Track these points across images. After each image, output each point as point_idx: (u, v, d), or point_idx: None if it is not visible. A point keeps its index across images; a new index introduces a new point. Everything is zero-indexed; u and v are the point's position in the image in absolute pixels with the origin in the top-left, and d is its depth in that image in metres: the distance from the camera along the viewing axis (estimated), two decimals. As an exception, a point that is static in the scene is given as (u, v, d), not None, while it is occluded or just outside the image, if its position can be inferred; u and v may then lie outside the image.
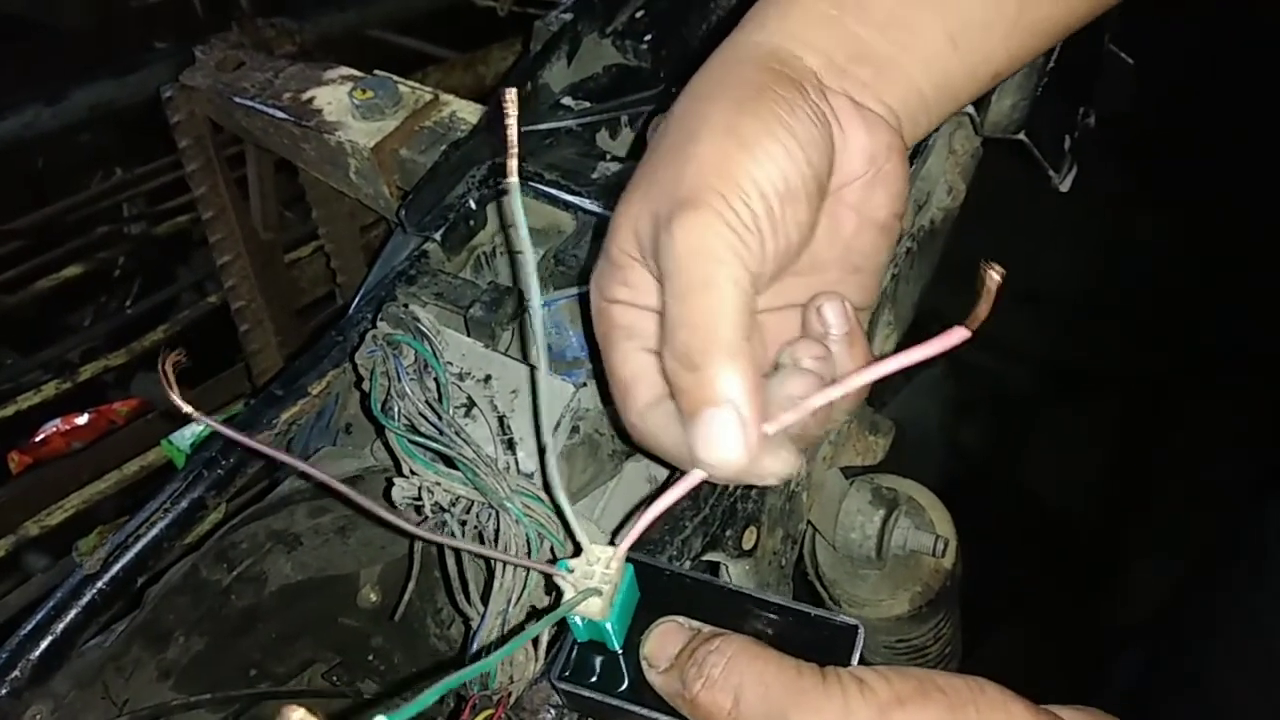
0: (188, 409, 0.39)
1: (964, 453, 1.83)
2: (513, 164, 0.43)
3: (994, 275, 0.36)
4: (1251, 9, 1.54)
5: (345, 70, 0.90)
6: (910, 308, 0.78)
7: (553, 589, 0.53)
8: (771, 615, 0.45)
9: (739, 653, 0.40)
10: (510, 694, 0.50)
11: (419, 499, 0.56)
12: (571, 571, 0.43)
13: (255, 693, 0.66)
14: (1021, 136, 0.76)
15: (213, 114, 0.98)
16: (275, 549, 0.65)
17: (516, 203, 0.43)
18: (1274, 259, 1.64)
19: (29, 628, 0.57)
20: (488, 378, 0.61)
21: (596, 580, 0.42)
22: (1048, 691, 0.41)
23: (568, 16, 0.82)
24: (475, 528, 0.55)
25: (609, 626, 0.43)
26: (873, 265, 0.50)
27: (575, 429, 0.59)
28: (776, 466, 0.43)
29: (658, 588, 0.46)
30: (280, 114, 0.87)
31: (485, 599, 0.54)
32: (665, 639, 0.43)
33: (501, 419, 0.60)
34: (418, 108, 0.84)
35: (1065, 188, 0.81)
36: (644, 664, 0.43)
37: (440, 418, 0.56)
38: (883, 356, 0.41)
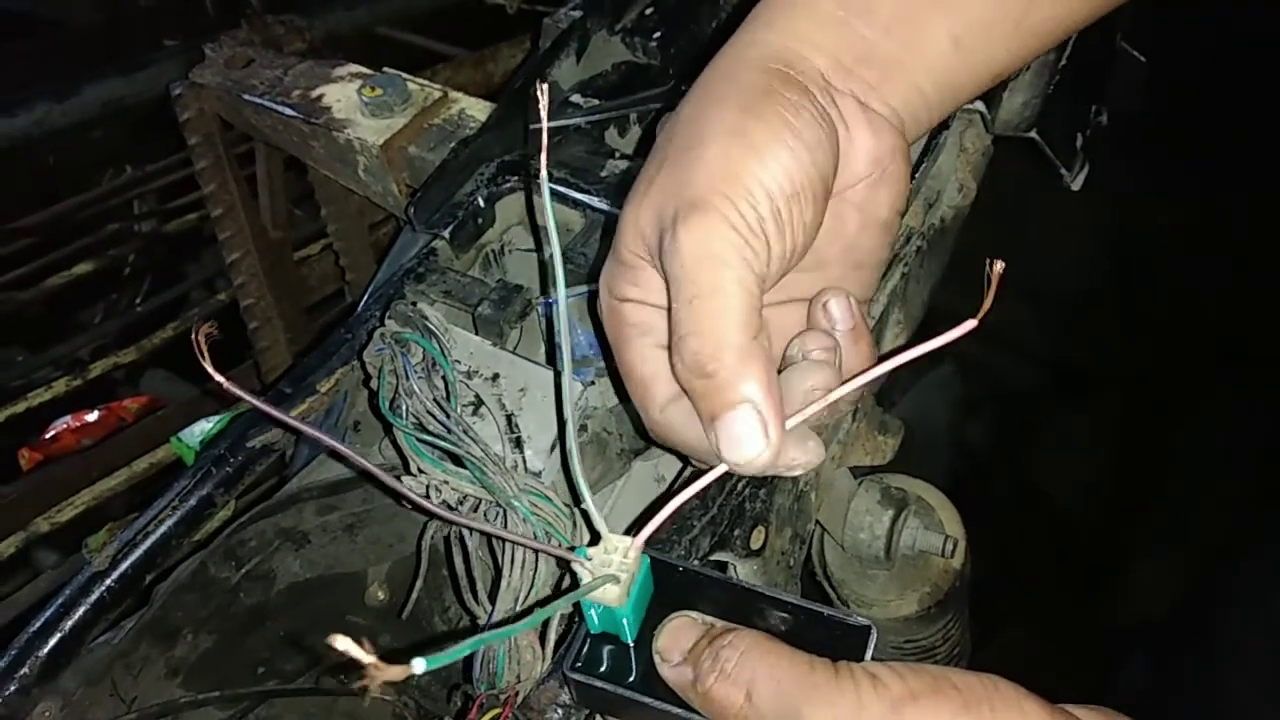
0: (220, 379, 0.40)
1: (972, 452, 1.82)
2: (543, 161, 0.44)
3: (997, 268, 0.38)
4: (1264, 7, 1.53)
5: (354, 68, 0.90)
6: (920, 306, 0.78)
7: (561, 587, 0.53)
8: (784, 613, 0.45)
9: (752, 647, 0.40)
10: (517, 693, 0.50)
11: (427, 497, 0.55)
12: (590, 559, 0.43)
13: (263, 690, 0.66)
14: (1033, 135, 0.76)
15: (222, 111, 0.98)
16: (284, 547, 0.65)
17: (547, 200, 0.44)
18: (1275, 258, 1.63)
19: (37, 625, 0.57)
20: (496, 376, 0.61)
21: (615, 568, 0.42)
22: (1055, 692, 0.40)
23: (577, 14, 0.82)
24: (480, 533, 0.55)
25: (624, 619, 0.43)
26: (874, 261, 0.50)
27: (584, 427, 0.59)
28: (805, 457, 0.44)
29: (671, 584, 0.46)
30: (289, 111, 0.87)
31: (493, 598, 0.54)
32: (679, 633, 0.43)
33: (509, 417, 0.60)
34: (426, 105, 0.84)
35: (1077, 186, 0.81)
36: (657, 658, 0.43)
37: (448, 416, 0.56)
38: (894, 351, 0.42)
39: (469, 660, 0.54)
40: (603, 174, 0.71)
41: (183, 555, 0.62)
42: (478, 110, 0.84)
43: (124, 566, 0.59)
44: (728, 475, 0.44)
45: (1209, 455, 1.69)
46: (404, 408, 0.57)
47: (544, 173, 0.44)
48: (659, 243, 0.43)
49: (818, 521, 0.75)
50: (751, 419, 0.40)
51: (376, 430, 0.65)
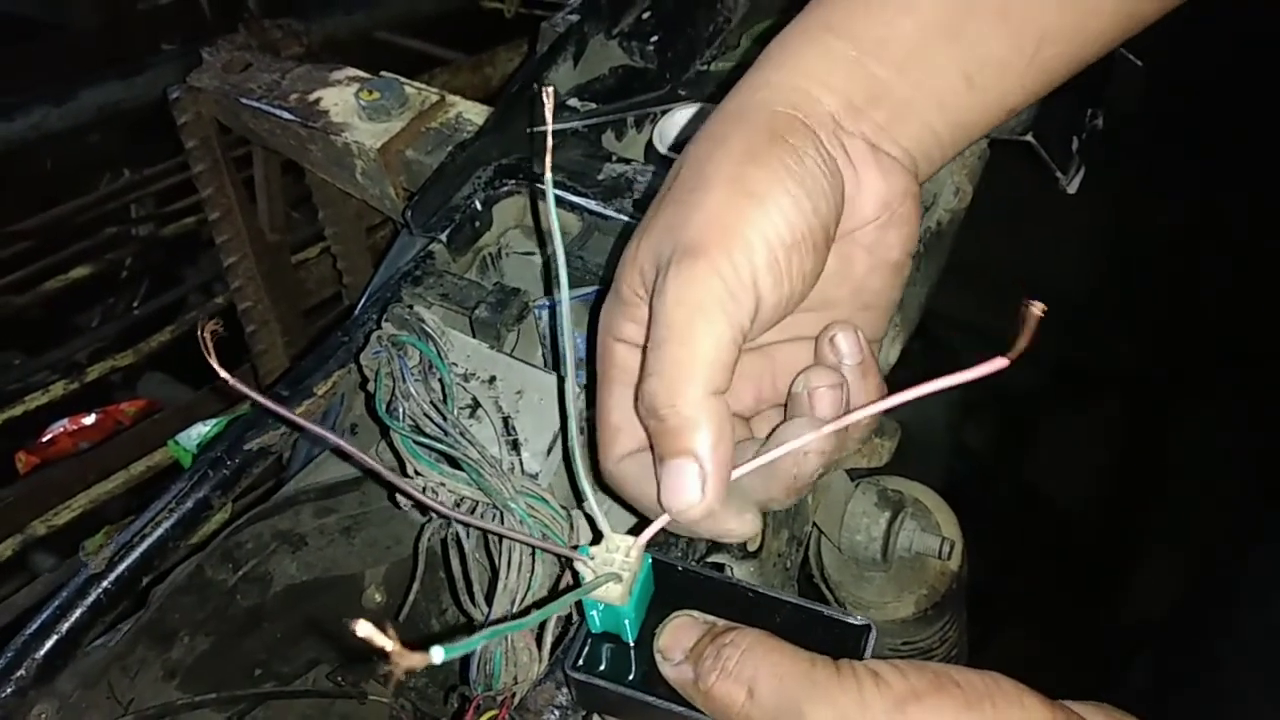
0: (225, 375, 0.40)
1: (970, 454, 1.82)
2: (548, 163, 0.44)
3: (1035, 310, 0.36)
4: (1263, 10, 1.54)
5: (352, 71, 0.90)
6: (917, 309, 0.78)
7: (558, 589, 0.53)
8: (783, 613, 0.45)
9: (754, 645, 0.41)
10: (514, 695, 0.50)
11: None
12: (592, 558, 0.43)
13: (260, 693, 0.66)
14: (1029, 138, 0.76)
15: (219, 115, 0.98)
16: (280, 549, 0.65)
17: (551, 203, 0.44)
18: (1275, 258, 1.64)
19: (34, 627, 0.57)
20: (493, 378, 0.61)
21: (617, 567, 0.42)
22: (1057, 693, 0.40)
23: (574, 18, 0.82)
24: (480, 530, 0.55)
25: (626, 618, 0.43)
26: (884, 303, 0.50)
27: (583, 429, 0.59)
28: (741, 529, 0.44)
29: (671, 584, 0.46)
30: (287, 115, 0.87)
31: (489, 600, 0.54)
32: (680, 632, 0.43)
33: (506, 420, 0.60)
34: (424, 109, 0.84)
35: (1073, 189, 0.81)
36: (658, 657, 0.43)
37: (445, 418, 0.56)
38: (905, 386, 0.41)
39: (465, 662, 0.54)
40: (600, 177, 0.71)
41: (179, 558, 0.62)
42: (475, 114, 0.84)
43: (121, 569, 0.59)
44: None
45: (1209, 455, 1.69)
46: (401, 410, 0.57)
47: (548, 175, 0.45)
48: (655, 282, 0.43)
49: (814, 524, 0.75)
50: (692, 471, 0.41)
51: (373, 433, 0.65)
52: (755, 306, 0.42)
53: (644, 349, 0.43)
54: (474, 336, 0.64)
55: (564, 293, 0.45)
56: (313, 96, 0.88)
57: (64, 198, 1.61)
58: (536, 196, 0.71)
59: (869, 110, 0.46)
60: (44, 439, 1.32)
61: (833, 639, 0.43)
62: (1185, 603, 1.17)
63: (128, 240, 1.61)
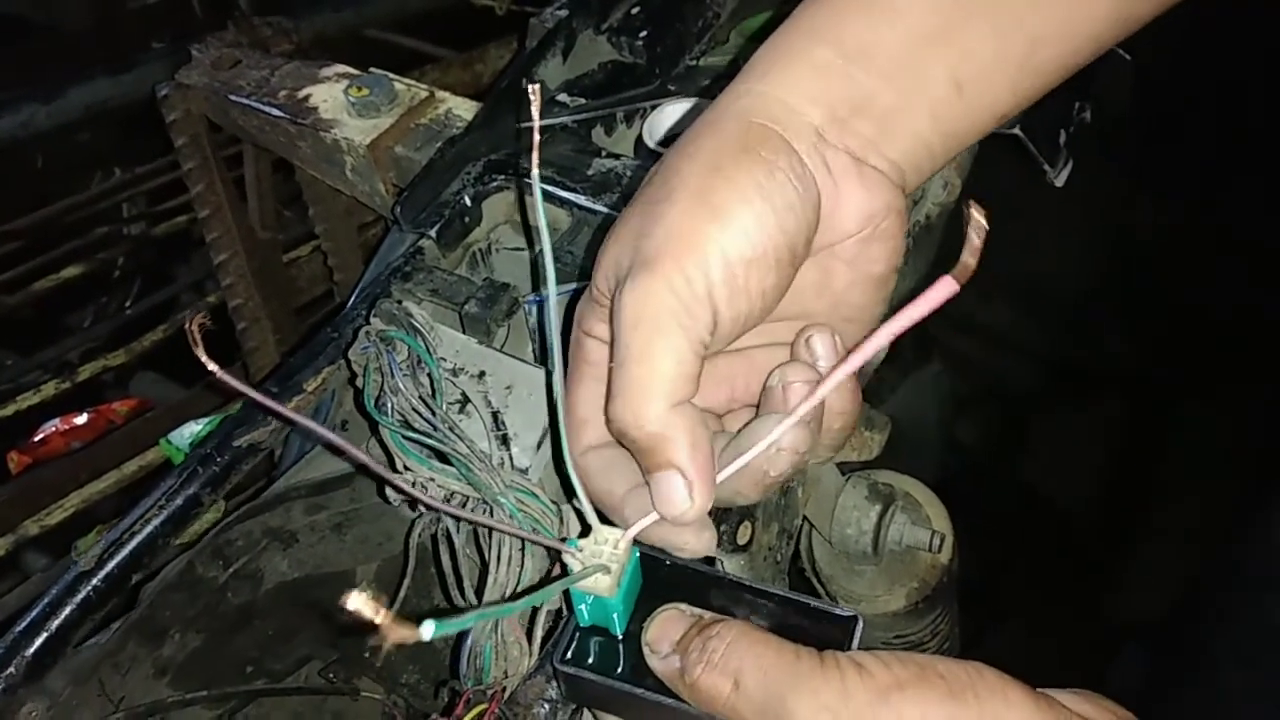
0: (215, 368, 0.40)
1: (961, 449, 1.83)
2: (534, 160, 0.44)
3: (979, 220, 0.35)
4: (1252, 5, 1.54)
5: (341, 68, 0.90)
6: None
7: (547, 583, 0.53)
8: (771, 605, 0.45)
9: (739, 637, 0.41)
10: (504, 689, 0.51)
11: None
12: (581, 550, 0.43)
13: (251, 689, 0.66)
14: (1017, 131, 0.76)
15: (209, 112, 0.98)
16: (271, 546, 0.65)
17: (538, 199, 0.44)
18: (1274, 256, 1.64)
19: (24, 624, 0.57)
20: (482, 373, 0.62)
21: (605, 558, 0.43)
22: (1046, 688, 0.40)
23: (563, 13, 0.82)
24: (469, 524, 0.55)
25: (615, 611, 0.44)
26: (866, 317, 0.49)
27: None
28: (694, 541, 0.45)
29: (659, 577, 0.46)
30: (276, 112, 0.87)
31: (480, 595, 0.54)
32: (667, 625, 0.43)
33: (495, 414, 0.60)
34: (413, 105, 0.84)
35: (1060, 183, 0.81)
36: (646, 649, 0.43)
37: (434, 413, 0.56)
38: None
39: (456, 656, 0.54)
40: (589, 172, 0.71)
41: (170, 555, 0.62)
42: (464, 110, 0.84)
43: (110, 566, 0.59)
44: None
45: (1203, 451, 1.70)
46: (389, 405, 0.57)
47: (535, 171, 0.45)
48: (614, 290, 0.43)
49: (805, 517, 0.75)
50: (678, 483, 0.42)
51: (363, 429, 0.65)
52: (713, 320, 0.42)
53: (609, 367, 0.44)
54: (464, 332, 0.64)
55: (551, 288, 0.45)
56: (302, 93, 0.88)
57: (54, 197, 1.61)
58: (526, 192, 0.71)
59: (854, 122, 0.45)
60: (36, 439, 1.32)
61: (820, 631, 0.43)
62: (1181, 601, 1.17)
63: (119, 239, 1.61)
